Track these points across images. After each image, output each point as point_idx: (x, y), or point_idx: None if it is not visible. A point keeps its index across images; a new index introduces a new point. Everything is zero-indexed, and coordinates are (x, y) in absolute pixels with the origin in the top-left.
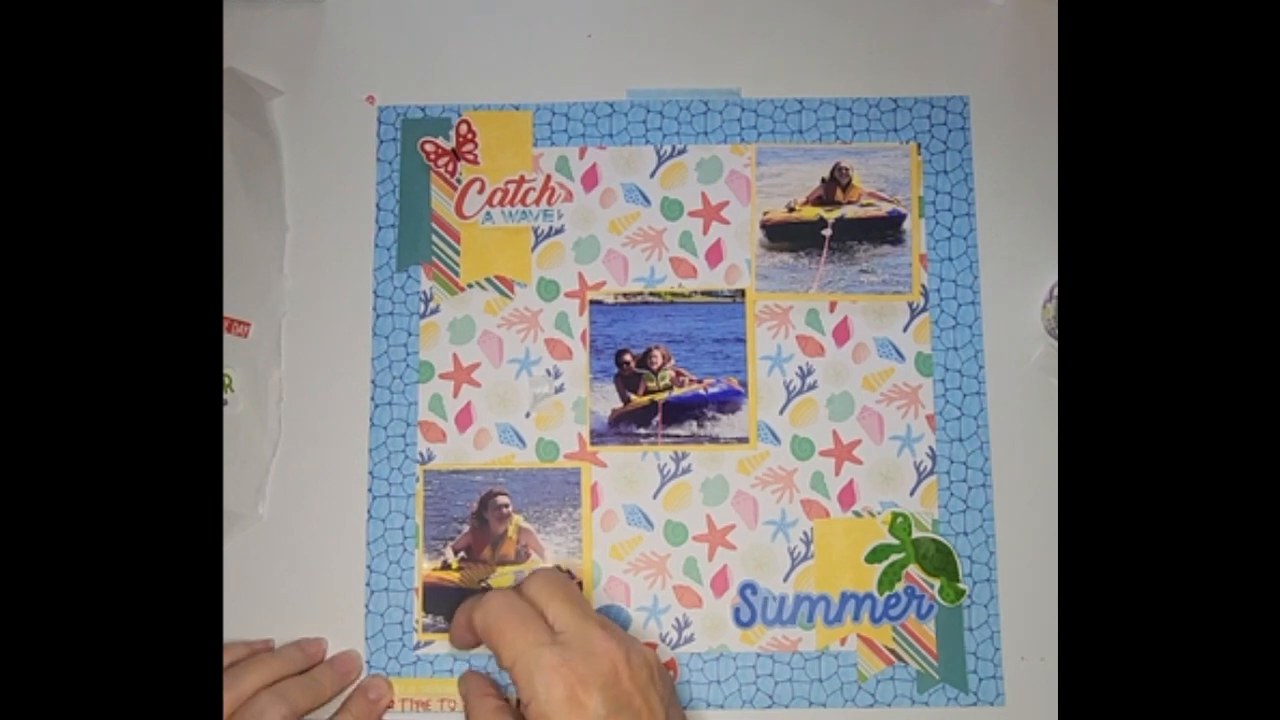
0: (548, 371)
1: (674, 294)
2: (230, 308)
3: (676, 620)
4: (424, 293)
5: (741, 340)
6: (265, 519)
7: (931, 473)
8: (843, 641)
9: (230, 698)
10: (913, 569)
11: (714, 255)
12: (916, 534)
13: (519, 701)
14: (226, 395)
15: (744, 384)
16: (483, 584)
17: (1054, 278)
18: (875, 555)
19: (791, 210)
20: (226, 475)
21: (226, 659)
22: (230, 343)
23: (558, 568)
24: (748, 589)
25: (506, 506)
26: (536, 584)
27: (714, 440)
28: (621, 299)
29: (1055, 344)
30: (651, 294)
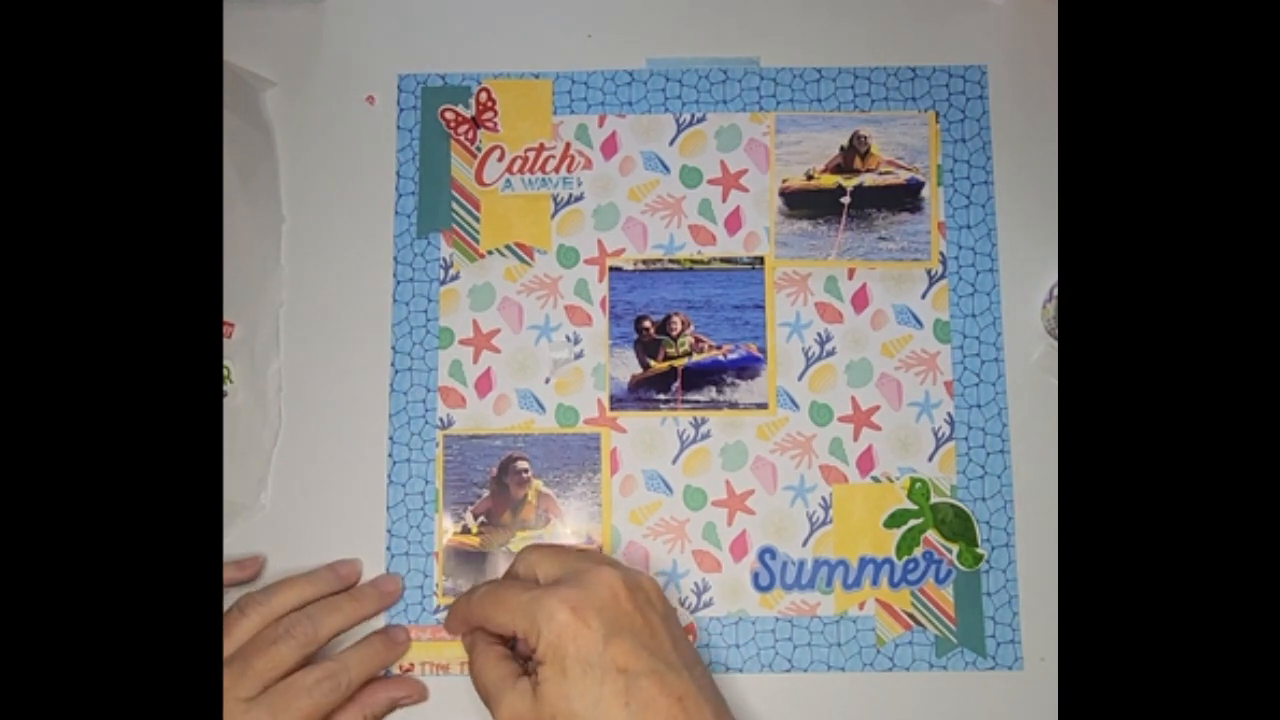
0: (567, 337)
1: (693, 261)
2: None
3: (695, 585)
4: (444, 259)
5: (760, 307)
6: (268, 508)
7: (950, 438)
8: (861, 606)
9: (257, 619)
10: (931, 534)
11: (733, 223)
12: (935, 499)
13: (527, 657)
14: (226, 386)
15: (763, 350)
16: (503, 548)
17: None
18: (894, 520)
19: (810, 178)
20: (228, 466)
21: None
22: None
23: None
24: (766, 554)
25: (526, 471)
26: (523, 557)
27: (733, 406)
28: (641, 266)
29: (1055, 344)
30: (671, 261)
